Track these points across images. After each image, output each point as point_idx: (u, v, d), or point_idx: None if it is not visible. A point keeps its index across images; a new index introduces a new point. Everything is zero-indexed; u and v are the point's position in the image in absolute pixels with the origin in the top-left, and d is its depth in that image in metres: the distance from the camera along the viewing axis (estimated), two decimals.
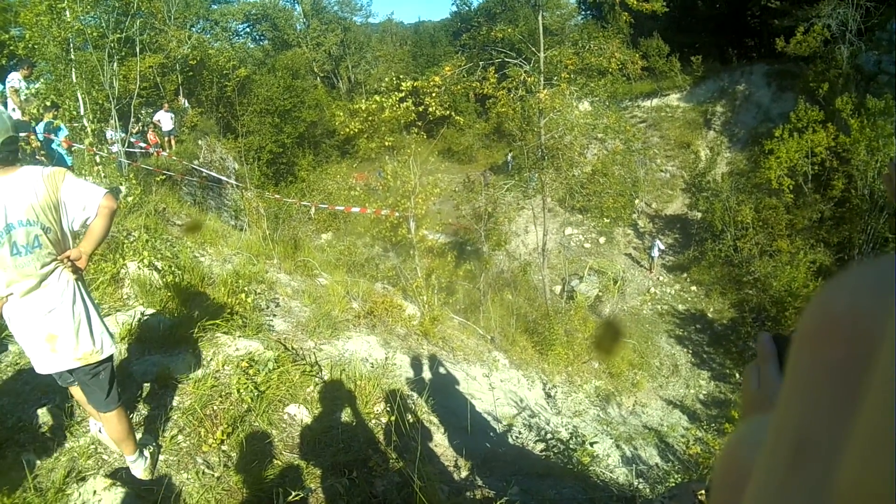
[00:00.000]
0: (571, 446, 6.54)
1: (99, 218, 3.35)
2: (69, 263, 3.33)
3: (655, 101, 34.03)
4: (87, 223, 3.37)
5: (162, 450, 4.34)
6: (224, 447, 4.46)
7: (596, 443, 6.99)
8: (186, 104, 28.95)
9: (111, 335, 3.69)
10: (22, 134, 9.56)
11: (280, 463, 4.46)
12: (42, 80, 13.41)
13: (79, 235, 3.56)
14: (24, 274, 3.20)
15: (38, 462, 4.08)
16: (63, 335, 3.35)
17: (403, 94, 15.32)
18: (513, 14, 37.80)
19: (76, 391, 3.81)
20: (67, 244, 3.39)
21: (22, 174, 3.18)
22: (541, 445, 6.86)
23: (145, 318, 5.93)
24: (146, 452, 4.10)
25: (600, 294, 23.31)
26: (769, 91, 30.95)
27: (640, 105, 34.07)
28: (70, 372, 3.53)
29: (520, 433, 7.46)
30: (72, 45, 13.74)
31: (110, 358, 3.66)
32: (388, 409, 5.44)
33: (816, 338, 0.32)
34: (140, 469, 4.00)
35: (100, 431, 4.17)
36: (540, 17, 17.08)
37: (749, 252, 23.04)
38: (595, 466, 6.85)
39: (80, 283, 3.46)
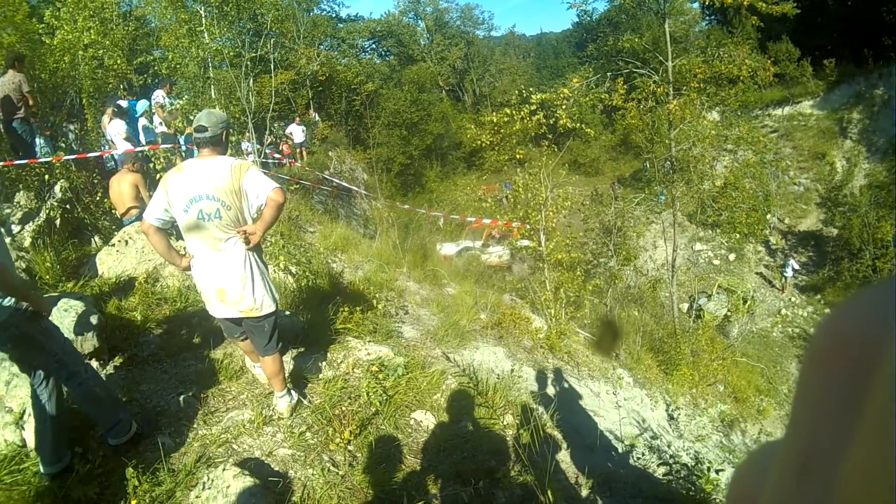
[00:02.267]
0: (696, 472, 6.28)
1: (267, 207, 4.09)
2: (244, 236, 4.13)
3: (787, 110, 32.52)
4: (261, 209, 4.16)
5: (290, 444, 4.47)
6: (350, 447, 4.53)
7: (722, 470, 6.68)
8: (317, 117, 29.92)
9: (274, 299, 4.45)
10: (169, 145, 10.12)
11: (404, 467, 4.49)
12: (184, 96, 14.18)
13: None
14: (209, 236, 4.09)
15: (173, 445, 4.31)
16: (231, 291, 4.22)
17: (535, 107, 15.27)
18: (636, 23, 37.17)
19: (243, 344, 4.77)
20: (246, 222, 4.18)
21: (217, 161, 4.09)
22: (663, 469, 6.63)
23: (280, 319, 6.12)
24: (294, 394, 4.92)
25: (729, 314, 22.45)
26: None
27: (770, 114, 32.65)
28: (239, 322, 4.45)
29: (642, 454, 7.23)
30: (210, 63, 14.49)
31: (273, 314, 4.45)
32: (514, 421, 5.39)
33: (824, 358, 0.33)
34: (285, 404, 4.79)
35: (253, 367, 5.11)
36: (666, 25, 16.68)
37: (890, 273, 21.57)
38: (717, 495, 6.57)
39: (253, 252, 4.27)
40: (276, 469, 4.21)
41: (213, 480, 3.80)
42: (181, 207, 4.00)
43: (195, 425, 4.59)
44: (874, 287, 0.32)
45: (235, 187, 4.03)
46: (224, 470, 3.87)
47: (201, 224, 4.03)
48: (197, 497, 3.73)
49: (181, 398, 4.81)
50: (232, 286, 4.20)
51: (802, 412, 0.34)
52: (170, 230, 4.25)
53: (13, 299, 3.75)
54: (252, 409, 4.78)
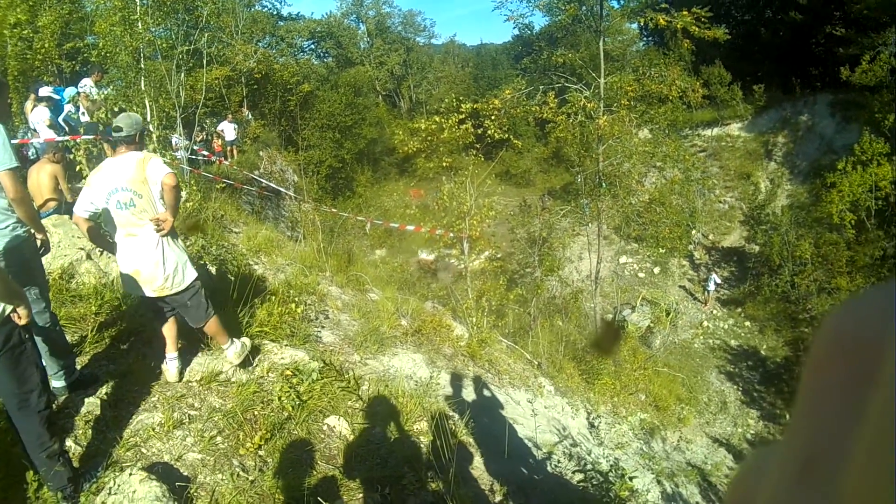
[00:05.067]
0: (610, 479, 6.41)
1: (164, 191, 4.65)
2: (156, 224, 4.65)
3: (716, 131, 33.58)
4: (162, 195, 4.69)
5: (200, 449, 4.42)
6: (261, 452, 4.51)
7: (635, 477, 6.82)
8: (250, 116, 29.47)
9: (189, 275, 4.95)
10: (90, 136, 9.88)
11: (316, 473, 4.48)
12: (112, 86, 13.82)
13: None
14: (125, 223, 4.66)
15: (80, 449, 4.23)
16: (144, 271, 4.74)
17: (463, 116, 15.35)
18: (574, 39, 37.61)
19: (167, 328, 5.12)
20: (157, 209, 4.69)
21: (128, 156, 4.66)
22: (579, 476, 6.75)
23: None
24: (238, 341, 5.39)
25: (652, 325, 22.97)
26: (833, 122, 30.18)
27: (700, 134, 33.63)
28: (164, 300, 4.92)
29: (559, 462, 7.34)
30: (142, 54, 14.15)
31: (191, 289, 4.96)
32: (428, 428, 5.42)
33: (825, 358, 0.33)
34: (232, 352, 5.31)
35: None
36: (601, 43, 17.01)
37: (807, 289, 22.43)
38: (633, 501, 6.70)
39: (168, 237, 4.78)
40: (185, 474, 4.17)
41: (119, 485, 3.74)
42: (102, 199, 4.60)
43: (103, 428, 4.48)
44: (876, 287, 0.33)
45: (142, 177, 4.60)
46: (131, 475, 3.81)
47: (118, 213, 4.62)
48: (102, 502, 3.67)
49: (89, 399, 4.71)
50: (145, 267, 4.74)
51: (803, 413, 0.34)
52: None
53: (27, 228, 4.33)
54: (162, 411, 4.71)
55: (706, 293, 25.79)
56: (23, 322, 3.54)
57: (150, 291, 4.80)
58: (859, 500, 0.28)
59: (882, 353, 0.30)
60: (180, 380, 5.15)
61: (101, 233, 4.88)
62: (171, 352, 5.13)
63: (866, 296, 0.33)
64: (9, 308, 3.47)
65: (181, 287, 4.87)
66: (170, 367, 5.13)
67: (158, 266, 4.74)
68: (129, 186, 4.57)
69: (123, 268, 4.82)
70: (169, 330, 5.11)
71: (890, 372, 0.28)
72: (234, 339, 5.35)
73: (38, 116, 11.66)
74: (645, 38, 45.01)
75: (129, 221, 4.66)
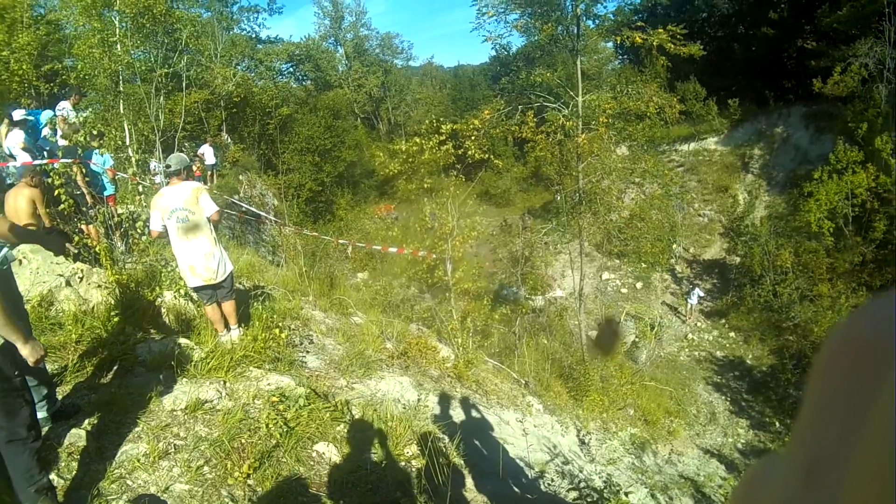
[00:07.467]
0: (605, 496, 6.35)
1: (213, 220, 6.39)
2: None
3: (693, 145, 33.98)
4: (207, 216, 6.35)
5: (187, 479, 4.30)
6: (250, 481, 4.39)
7: (631, 492, 6.77)
8: (229, 139, 29.39)
9: (227, 267, 6.53)
10: (69, 160, 9.73)
11: (306, 501, 4.39)
12: (91, 109, 13.66)
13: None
14: (182, 233, 6.21)
15: (64, 483, 4.09)
16: (197, 267, 6.27)
17: (444, 137, 15.36)
18: (551, 59, 37.89)
19: (212, 312, 6.58)
20: (204, 222, 6.27)
21: (182, 185, 6.33)
22: (573, 494, 6.67)
23: (179, 346, 5.95)
24: (241, 329, 6.73)
25: (637, 340, 22.97)
26: (807, 133, 30.72)
27: (677, 149, 34.00)
28: (208, 289, 6.45)
29: (552, 480, 7.27)
30: (121, 77, 14.05)
31: (231, 277, 6.59)
32: (418, 451, 5.34)
33: (832, 365, 0.34)
34: (236, 334, 6.62)
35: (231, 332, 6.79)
36: (578, 62, 17.12)
37: (789, 297, 22.60)
38: None
39: (213, 242, 6.36)
40: None
41: None
42: (165, 216, 6.22)
43: (87, 460, 4.35)
44: (882, 296, 0.33)
45: (195, 201, 6.23)
46: None
47: (178, 225, 6.18)
48: None
49: (72, 432, 4.59)
50: (198, 264, 6.27)
51: (809, 418, 0.34)
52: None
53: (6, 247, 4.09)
54: (147, 441, 4.59)
55: (689, 306, 25.92)
56: (31, 362, 3.46)
57: (201, 281, 6.32)
58: (862, 501, 0.29)
59: (887, 360, 0.30)
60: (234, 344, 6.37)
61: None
62: (222, 329, 6.60)
63: (872, 305, 0.34)
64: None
65: (224, 276, 6.42)
66: (222, 339, 6.49)
67: (208, 262, 6.27)
68: (186, 206, 6.18)
69: (181, 263, 6.36)
70: (214, 313, 6.56)
71: (892, 377, 0.29)
72: (239, 329, 6.70)
73: (13, 140, 11.49)
74: (620, 57, 45.53)
75: (186, 230, 6.19)
